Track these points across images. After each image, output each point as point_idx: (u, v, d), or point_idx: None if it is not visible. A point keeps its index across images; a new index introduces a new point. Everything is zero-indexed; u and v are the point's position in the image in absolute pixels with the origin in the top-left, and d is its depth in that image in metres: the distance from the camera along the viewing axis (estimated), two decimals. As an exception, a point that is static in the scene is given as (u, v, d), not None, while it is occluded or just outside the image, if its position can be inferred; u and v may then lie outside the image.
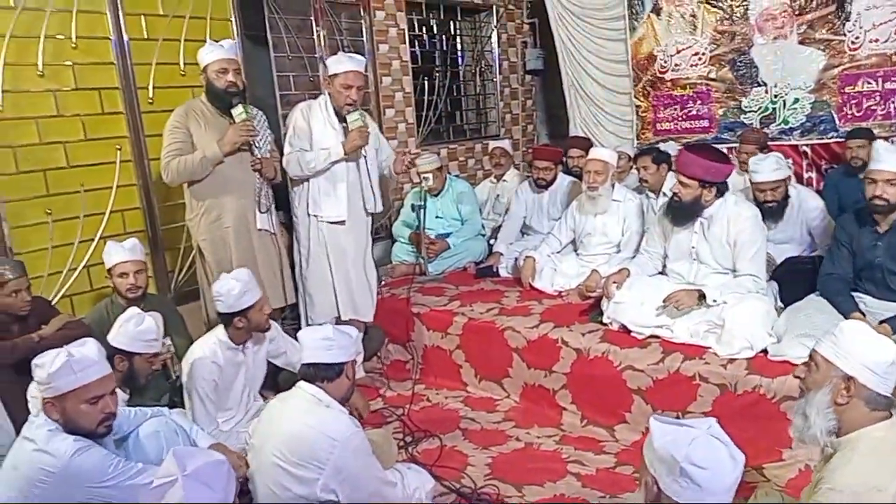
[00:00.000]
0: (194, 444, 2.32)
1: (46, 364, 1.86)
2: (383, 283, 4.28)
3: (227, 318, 2.72)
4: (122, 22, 3.54)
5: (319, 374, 2.18)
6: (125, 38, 3.56)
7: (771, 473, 2.61)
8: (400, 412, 3.30)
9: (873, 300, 2.89)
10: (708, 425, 1.46)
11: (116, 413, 1.99)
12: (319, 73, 4.42)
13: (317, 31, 4.61)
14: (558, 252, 4.07)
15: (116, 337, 2.42)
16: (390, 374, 3.78)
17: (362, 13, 4.92)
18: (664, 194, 3.99)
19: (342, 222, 3.45)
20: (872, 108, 4.26)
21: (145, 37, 3.65)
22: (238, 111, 3.17)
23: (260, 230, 3.31)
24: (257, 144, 3.25)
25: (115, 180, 3.55)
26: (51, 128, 3.35)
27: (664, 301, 3.03)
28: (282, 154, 3.41)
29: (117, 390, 2.05)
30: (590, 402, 3.15)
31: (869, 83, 4.25)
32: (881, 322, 2.70)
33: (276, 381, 3.20)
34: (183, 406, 2.74)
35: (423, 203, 4.10)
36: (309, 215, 3.41)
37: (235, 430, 2.75)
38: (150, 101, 3.67)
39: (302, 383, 2.18)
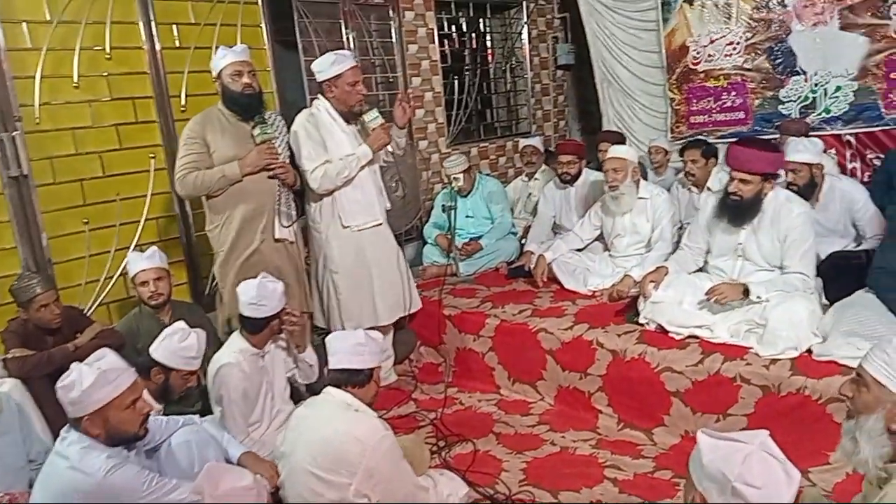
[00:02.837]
0: (226, 453, 2.33)
1: (76, 383, 1.85)
2: (415, 284, 4.27)
3: (260, 324, 2.70)
4: (154, 31, 3.60)
5: (350, 379, 2.18)
6: (158, 47, 3.62)
7: (817, 478, 2.51)
8: (432, 416, 3.27)
9: (925, 295, 2.75)
10: (760, 440, 1.38)
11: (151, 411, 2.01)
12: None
13: (346, 33, 4.63)
14: (580, 249, 3.99)
15: (158, 349, 2.43)
16: (422, 378, 3.75)
17: (391, 14, 4.92)
18: (708, 189, 3.89)
19: (379, 225, 3.43)
20: (921, 93, 4.09)
21: (177, 45, 3.70)
22: (261, 131, 3.11)
23: (278, 240, 3.22)
24: (276, 153, 3.18)
25: (149, 188, 3.61)
26: (87, 138, 3.43)
27: (706, 294, 2.94)
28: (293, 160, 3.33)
29: (152, 401, 2.07)
30: (626, 404, 3.07)
31: (917, 68, 4.08)
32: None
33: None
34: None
35: (453, 203, 4.06)
36: (344, 227, 3.34)
37: (263, 438, 2.75)
38: (183, 108, 3.71)
39: (330, 389, 2.18)
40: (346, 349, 2.19)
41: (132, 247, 3.52)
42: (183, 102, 3.72)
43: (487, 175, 4.98)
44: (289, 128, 3.33)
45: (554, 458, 2.88)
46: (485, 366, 3.61)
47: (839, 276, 3.07)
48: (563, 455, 2.89)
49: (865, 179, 4.21)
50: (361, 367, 2.18)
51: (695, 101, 5.02)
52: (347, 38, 4.63)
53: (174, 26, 3.69)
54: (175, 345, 2.42)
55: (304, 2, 4.37)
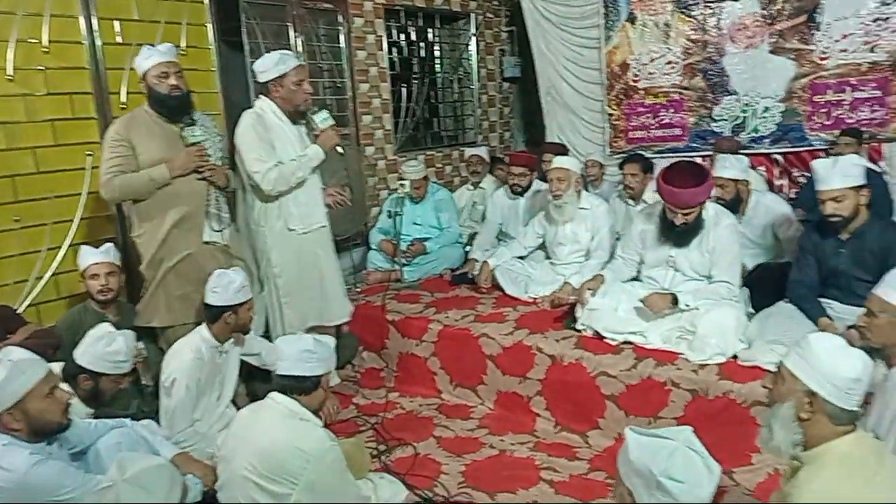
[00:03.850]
0: (157, 454, 2.28)
1: None
2: (359, 290, 4.28)
3: (216, 313, 2.71)
4: (95, 26, 3.51)
5: (297, 386, 2.15)
6: (98, 42, 3.52)
7: (740, 478, 2.64)
8: (374, 420, 3.28)
9: (840, 305, 2.92)
10: (684, 436, 1.45)
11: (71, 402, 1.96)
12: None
13: (294, 37, 4.61)
14: (522, 257, 4.09)
15: (83, 355, 2.37)
16: (364, 382, 3.76)
17: (340, 19, 4.92)
18: (644, 201, 4.04)
19: (322, 227, 3.43)
20: (841, 116, 4.35)
21: (119, 42, 3.62)
22: (190, 133, 3.02)
23: (207, 243, 3.11)
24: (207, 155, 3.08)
25: (85, 187, 3.50)
26: (20, 133, 3.30)
27: (640, 301, 3.07)
28: (232, 160, 3.28)
29: (80, 404, 2.02)
30: (563, 408, 3.16)
31: (838, 92, 4.33)
32: (849, 328, 2.74)
33: (249, 389, 3.17)
34: (152, 417, 2.70)
35: (399, 209, 4.09)
36: (289, 230, 3.30)
37: (207, 433, 2.72)
38: (123, 106, 3.62)
39: (275, 394, 2.15)
40: (294, 355, 2.16)
41: (65, 246, 3.41)
42: (123, 100, 3.63)
43: (437, 184, 5.03)
44: (232, 129, 3.28)
45: (492, 460, 2.93)
46: (427, 370, 3.65)
47: (764, 286, 3.25)
48: (502, 458, 2.94)
49: (792, 196, 4.45)
50: (309, 374, 2.15)
51: (634, 116, 5.20)
52: (295, 42, 4.61)
53: (116, 22, 3.60)
54: (101, 350, 2.37)
55: (251, 3, 4.34)
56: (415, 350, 3.69)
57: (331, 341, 2.30)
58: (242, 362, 3.01)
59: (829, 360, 1.61)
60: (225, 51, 4.21)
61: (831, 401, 1.60)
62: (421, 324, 3.69)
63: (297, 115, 3.31)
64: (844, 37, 4.24)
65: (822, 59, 4.34)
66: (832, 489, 1.57)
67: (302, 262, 3.38)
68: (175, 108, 3.02)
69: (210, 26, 4.02)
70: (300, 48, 4.60)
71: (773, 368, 2.39)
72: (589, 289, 3.26)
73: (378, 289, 4.18)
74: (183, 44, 3.83)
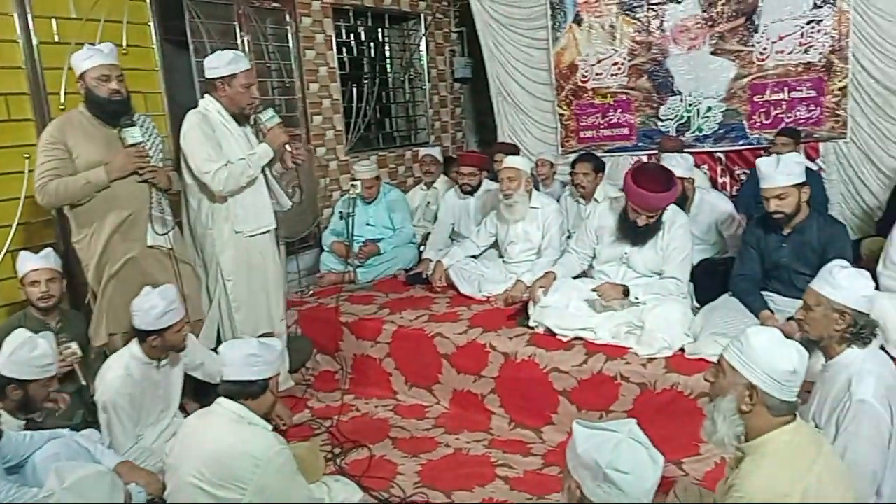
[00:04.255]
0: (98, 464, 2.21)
1: None
2: (311, 292, 4.24)
3: (141, 335, 2.62)
4: (31, 24, 3.38)
5: (243, 391, 2.11)
6: (34, 41, 3.40)
7: (689, 468, 2.71)
8: (328, 423, 3.26)
9: (781, 298, 3.03)
10: (628, 428, 1.49)
11: None
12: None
13: (240, 36, 4.53)
14: (475, 256, 4.12)
15: (6, 365, 2.25)
16: (318, 386, 3.72)
17: (288, 19, 4.86)
18: (595, 200, 4.12)
19: (271, 230, 3.37)
20: (780, 115, 4.51)
21: (56, 41, 3.49)
22: (129, 134, 2.91)
23: (152, 247, 3.04)
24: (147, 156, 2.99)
25: (23, 190, 3.37)
26: (-48, 135, 3.17)
27: (592, 289, 3.15)
28: (176, 162, 3.22)
29: (11, 419, 1.93)
30: (517, 405, 3.19)
31: (776, 92, 4.49)
32: (788, 319, 2.84)
33: (198, 394, 3.11)
34: (97, 427, 2.62)
35: (351, 211, 4.06)
36: (236, 232, 3.24)
37: (153, 447, 2.65)
38: (62, 107, 3.49)
39: (222, 399, 2.12)
40: (239, 360, 2.12)
41: (2, 253, 3.28)
42: (62, 100, 3.51)
43: (389, 184, 5.02)
44: (177, 129, 3.21)
45: (448, 459, 2.94)
46: (382, 372, 3.64)
47: (708, 280, 3.35)
48: (457, 456, 2.96)
49: (734, 193, 4.59)
50: (255, 379, 2.11)
51: (584, 116, 5.29)
52: (242, 41, 4.53)
53: (53, 20, 3.48)
54: (25, 356, 2.26)
55: (195, 1, 4.24)
56: (369, 351, 3.67)
57: (277, 343, 2.26)
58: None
59: (766, 353, 1.67)
60: (169, 50, 4.10)
61: (770, 393, 1.66)
62: (375, 325, 3.68)
63: (241, 118, 3.26)
64: (781, 38, 4.40)
65: (760, 59, 4.49)
66: (773, 478, 1.63)
67: (251, 266, 3.32)
68: (114, 113, 2.92)
69: (153, 25, 3.92)
70: (247, 47, 4.53)
71: (711, 366, 2.47)
72: (540, 286, 3.31)
73: (331, 291, 4.14)
74: (124, 43, 3.72)
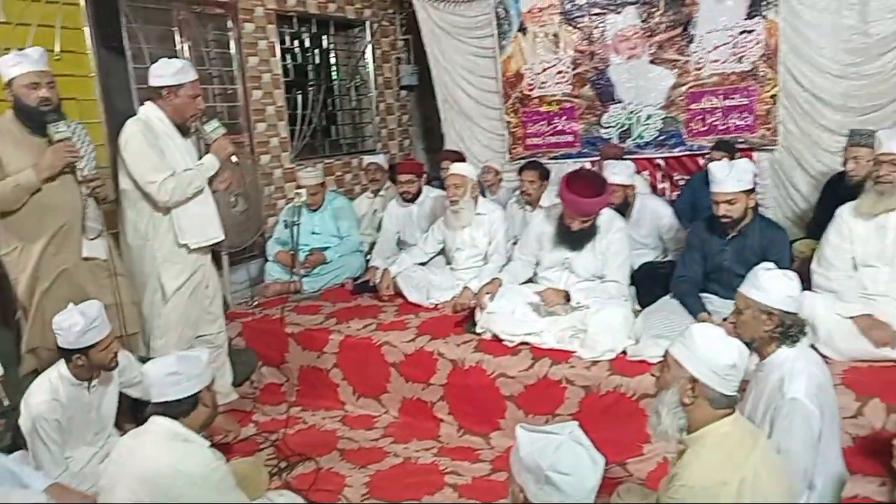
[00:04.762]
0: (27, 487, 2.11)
1: None
2: (256, 303, 4.16)
3: (66, 354, 2.49)
4: (-46, 28, 3.23)
5: (172, 411, 2.03)
6: (-42, 46, 3.25)
7: (633, 468, 2.76)
8: (274, 437, 3.20)
9: (720, 300, 3.13)
10: (570, 430, 1.51)
11: None
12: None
13: (180, 41, 4.43)
14: (423, 263, 4.13)
15: None
16: (264, 399, 3.66)
17: (230, 25, 4.78)
18: (541, 206, 4.17)
19: (217, 242, 3.30)
20: (715, 123, 4.65)
21: (-18, 45, 3.34)
22: (55, 130, 2.79)
23: (87, 258, 2.93)
24: (79, 166, 2.88)
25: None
26: None
27: (536, 293, 3.19)
28: (115, 171, 3.12)
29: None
30: (466, 411, 3.20)
31: (711, 100, 4.64)
32: (724, 320, 2.93)
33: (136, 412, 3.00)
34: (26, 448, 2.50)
35: (296, 219, 4.00)
36: (179, 245, 3.14)
37: (84, 471, 2.53)
38: (-10, 114, 3.35)
39: (156, 417, 2.04)
40: (160, 380, 2.03)
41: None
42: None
43: (334, 192, 4.98)
44: (114, 137, 3.10)
45: (397, 469, 2.92)
46: (329, 382, 3.60)
47: (649, 284, 3.44)
48: (406, 465, 2.95)
49: (673, 198, 4.71)
50: (181, 396, 2.03)
51: (530, 124, 5.35)
52: (182, 47, 4.43)
53: (-21, 24, 3.34)
54: None
55: (132, 6, 4.13)
56: (316, 362, 3.62)
57: (203, 354, 2.15)
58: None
59: (708, 348, 1.74)
60: (105, 55, 3.98)
61: (711, 386, 1.72)
62: (322, 335, 3.63)
63: (184, 128, 3.19)
64: (716, 48, 4.54)
65: (697, 68, 4.63)
66: (712, 467, 1.70)
67: (193, 279, 3.23)
68: (43, 121, 2.80)
69: (87, 30, 3.78)
70: (187, 53, 4.43)
71: (659, 362, 2.54)
72: (487, 292, 3.33)
73: (277, 301, 4.07)
74: (57, 48, 3.59)
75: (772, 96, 4.44)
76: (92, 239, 2.93)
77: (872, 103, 4.19)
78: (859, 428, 2.49)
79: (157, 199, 3.04)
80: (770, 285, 2.08)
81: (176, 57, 3.99)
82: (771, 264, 2.17)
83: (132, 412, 2.96)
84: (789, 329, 2.07)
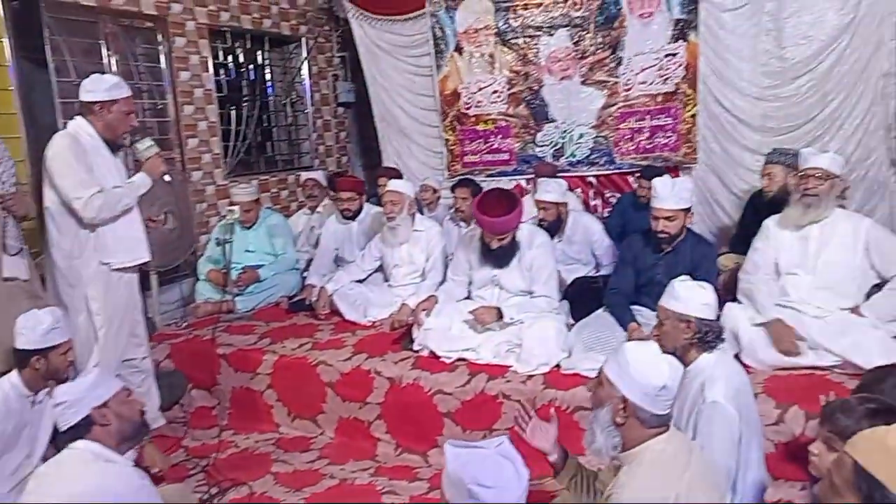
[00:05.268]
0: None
1: None
2: (186, 323, 4.03)
3: (24, 357, 2.46)
4: None
5: (79, 434, 1.94)
6: None
7: (568, 481, 2.78)
8: (204, 462, 3.09)
9: (649, 312, 3.21)
10: (498, 443, 1.51)
11: None
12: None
13: (107, 55, 4.30)
14: (361, 281, 4.10)
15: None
16: (194, 423, 3.53)
17: (160, 38, 4.66)
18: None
19: (143, 263, 3.19)
20: (642, 142, 4.82)
21: None
22: None
23: (7, 279, 2.81)
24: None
25: None
26: None
27: (469, 312, 3.21)
28: (38, 188, 3.00)
29: None
30: (404, 430, 3.18)
31: (639, 121, 4.81)
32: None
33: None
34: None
35: (229, 237, 3.91)
36: (102, 264, 3.02)
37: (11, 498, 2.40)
38: None
39: (72, 443, 1.95)
40: (56, 410, 1.97)
41: None
42: None
43: (269, 209, 4.89)
44: (37, 153, 2.96)
45: (333, 491, 2.87)
46: (263, 404, 3.51)
47: (582, 298, 3.51)
48: (343, 487, 2.90)
49: (605, 214, 4.84)
50: (79, 421, 1.94)
51: (468, 142, 5.41)
52: (109, 61, 4.30)
53: None
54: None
55: (56, 18, 3.98)
56: (249, 384, 3.53)
57: (91, 372, 2.11)
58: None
59: (639, 368, 1.74)
60: (26, 69, 3.81)
61: (642, 406, 1.73)
62: (255, 355, 3.55)
63: (114, 145, 3.10)
64: (643, 70, 4.71)
65: (625, 89, 4.79)
66: (648, 486, 1.71)
67: (118, 300, 3.11)
68: None
69: (7, 42, 3.62)
70: (115, 67, 4.29)
71: (591, 375, 2.58)
72: (423, 309, 3.33)
73: (208, 321, 3.96)
74: (-28, 62, 3.43)
75: (692, 115, 4.63)
76: (13, 255, 2.81)
77: (789, 124, 4.44)
78: (781, 434, 2.59)
79: (83, 216, 2.92)
80: (686, 295, 2.17)
81: (102, 71, 3.88)
82: (686, 276, 2.25)
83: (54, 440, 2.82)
84: (706, 335, 2.16)
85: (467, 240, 3.51)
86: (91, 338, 3.06)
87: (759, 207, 3.62)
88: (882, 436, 1.42)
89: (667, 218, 3.03)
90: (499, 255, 3.30)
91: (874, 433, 1.46)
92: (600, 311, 3.31)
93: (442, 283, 3.69)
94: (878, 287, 2.96)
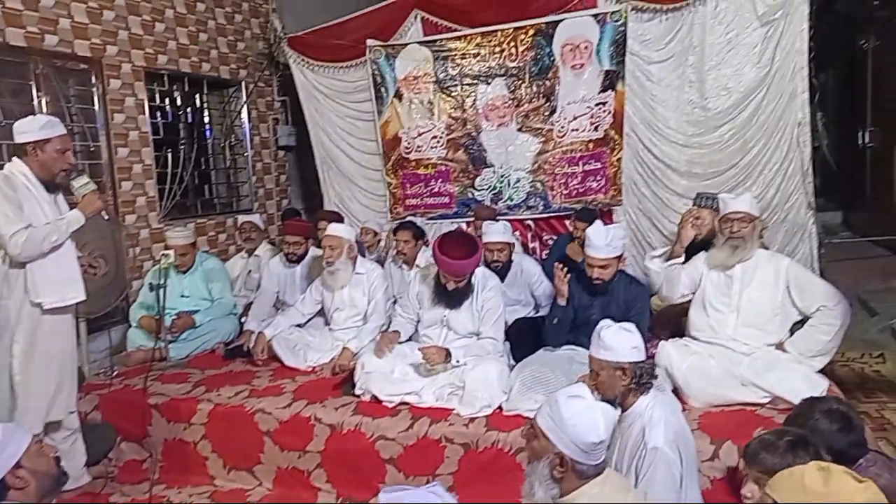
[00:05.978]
0: None
1: None
2: (116, 373, 3.86)
3: None
4: None
5: None
6: None
7: (512, 524, 2.77)
8: (133, 519, 2.94)
9: (586, 351, 3.26)
10: (430, 488, 1.50)
11: None
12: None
13: (38, 96, 4.18)
14: (301, 325, 4.04)
15: None
16: (123, 478, 3.36)
17: (94, 80, 4.58)
18: (417, 266, 4.23)
19: (77, 304, 3.08)
20: (576, 186, 4.99)
21: None
22: None
23: None
24: None
25: None
26: None
27: (419, 350, 3.21)
28: None
29: None
30: (345, 478, 3.11)
31: (573, 166, 4.98)
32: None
33: None
34: None
35: (162, 282, 3.79)
36: (33, 304, 2.92)
37: None
38: None
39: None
40: None
41: None
42: None
43: (206, 252, 4.79)
44: None
45: (271, 545, 2.77)
46: (197, 456, 3.37)
47: (523, 338, 3.56)
48: (281, 541, 2.80)
49: (543, 256, 4.95)
50: None
51: (409, 185, 5.47)
52: (39, 101, 4.18)
53: None
54: None
55: (-17, 58, 3.87)
56: (182, 435, 3.39)
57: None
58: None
59: (574, 425, 1.74)
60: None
61: (579, 460, 1.75)
62: (189, 405, 3.42)
63: (51, 185, 3.04)
64: (575, 118, 4.90)
65: (559, 136, 4.97)
66: None
67: (45, 345, 2.97)
68: None
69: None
70: (45, 108, 4.18)
71: (532, 415, 2.60)
72: (390, 342, 3.37)
73: (139, 370, 3.79)
74: None
75: (618, 159, 4.84)
76: None
77: (713, 170, 4.68)
78: (716, 470, 2.66)
79: (9, 252, 2.87)
80: (614, 343, 2.20)
81: (33, 112, 3.78)
82: (608, 321, 2.30)
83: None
84: (642, 378, 2.21)
85: (420, 279, 3.54)
86: (20, 384, 2.91)
87: (690, 251, 3.77)
88: (799, 476, 1.51)
89: (601, 266, 3.16)
90: (454, 295, 3.33)
91: (791, 474, 1.55)
92: (541, 350, 3.36)
93: (384, 326, 3.67)
94: (800, 323, 3.11)
